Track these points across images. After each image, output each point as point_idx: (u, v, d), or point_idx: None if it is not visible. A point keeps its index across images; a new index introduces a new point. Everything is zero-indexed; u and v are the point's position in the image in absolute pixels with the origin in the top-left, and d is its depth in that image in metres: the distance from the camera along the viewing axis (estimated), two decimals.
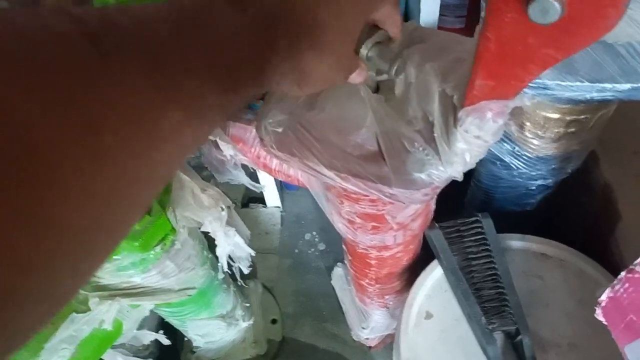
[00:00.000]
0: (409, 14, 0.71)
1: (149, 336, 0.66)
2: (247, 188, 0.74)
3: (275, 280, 0.90)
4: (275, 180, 0.92)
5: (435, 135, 0.38)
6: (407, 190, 0.39)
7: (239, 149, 0.55)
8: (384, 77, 0.36)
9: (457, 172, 0.39)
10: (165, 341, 0.66)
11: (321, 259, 0.93)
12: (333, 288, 0.85)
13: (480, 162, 0.42)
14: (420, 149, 0.38)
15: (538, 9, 0.26)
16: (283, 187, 0.99)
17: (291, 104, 0.42)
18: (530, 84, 0.37)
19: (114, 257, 0.46)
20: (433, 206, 0.54)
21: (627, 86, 0.41)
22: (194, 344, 0.79)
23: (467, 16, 0.71)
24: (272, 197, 0.95)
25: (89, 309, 0.51)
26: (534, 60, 0.29)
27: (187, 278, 0.57)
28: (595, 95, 0.42)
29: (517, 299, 0.54)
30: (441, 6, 0.66)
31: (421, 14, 0.65)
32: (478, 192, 0.68)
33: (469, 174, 0.43)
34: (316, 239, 0.95)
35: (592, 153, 0.59)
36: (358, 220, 0.51)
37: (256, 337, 0.83)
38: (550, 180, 0.57)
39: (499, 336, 0.55)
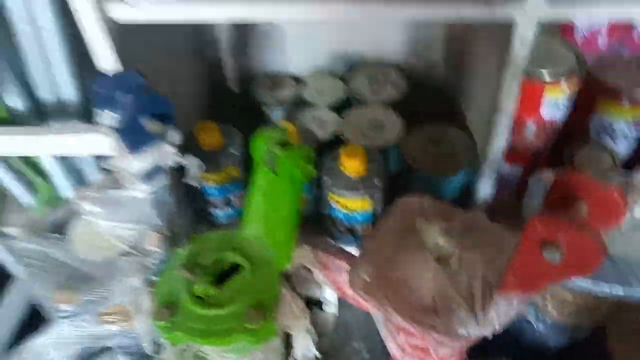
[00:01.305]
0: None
1: None
2: None
3: None
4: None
5: (475, 304, 0.54)
6: (450, 339, 0.55)
7: (324, 274, 0.73)
8: None
9: (488, 332, 0.55)
10: None
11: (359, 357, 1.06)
12: None
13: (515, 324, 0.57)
14: (464, 312, 0.55)
15: (549, 253, 0.43)
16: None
17: (378, 259, 0.60)
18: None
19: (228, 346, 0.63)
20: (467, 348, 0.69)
21: (621, 291, 0.57)
22: None
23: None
24: (332, 306, 1.11)
25: None
26: (546, 279, 0.46)
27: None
28: (599, 292, 0.58)
29: None
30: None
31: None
32: (506, 338, 0.82)
33: None
34: (362, 349, 1.09)
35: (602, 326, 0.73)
36: (409, 349, 0.66)
37: None
38: (564, 341, 0.72)
39: None
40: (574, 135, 0.83)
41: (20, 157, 0.84)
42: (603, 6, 0.59)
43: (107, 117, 0.56)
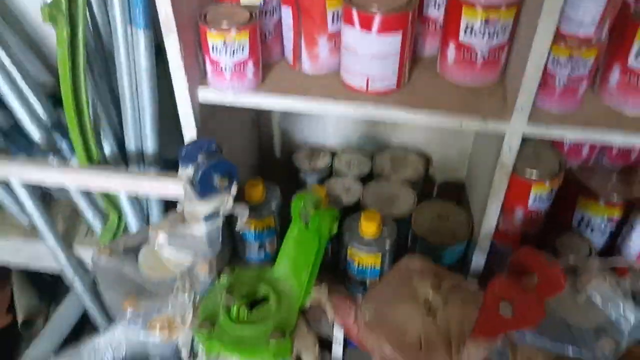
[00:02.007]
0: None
1: None
2: None
3: None
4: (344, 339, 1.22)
5: (453, 348, 0.69)
6: None
7: (335, 313, 0.88)
8: None
9: None
10: None
11: None
12: None
13: None
14: (442, 353, 0.69)
15: (504, 308, 0.59)
16: (347, 343, 1.29)
17: (379, 303, 0.76)
18: (519, 336, 0.69)
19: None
20: None
21: (571, 350, 0.70)
22: None
23: None
24: (338, 347, 1.25)
25: None
26: (502, 329, 0.61)
27: None
28: (557, 350, 0.72)
29: None
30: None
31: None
32: None
33: None
34: None
35: None
36: None
37: None
38: None
39: None
40: (558, 225, 0.98)
41: (102, 193, 1.04)
42: (574, 131, 0.76)
43: (188, 171, 0.75)
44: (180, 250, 0.81)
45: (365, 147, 1.20)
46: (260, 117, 1.20)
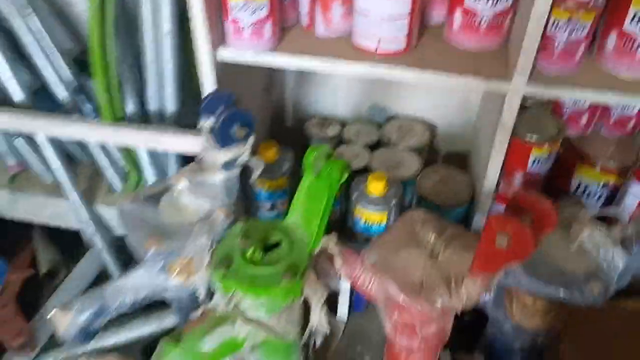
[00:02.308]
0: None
1: None
2: None
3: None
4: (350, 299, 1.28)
5: (450, 286, 0.74)
6: (430, 308, 0.75)
7: (342, 264, 0.94)
8: None
9: (458, 305, 0.74)
10: None
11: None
12: None
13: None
14: (442, 290, 0.75)
15: (500, 240, 0.64)
16: (352, 308, 1.34)
17: (385, 250, 0.81)
18: (511, 279, 0.74)
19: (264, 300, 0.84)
20: (447, 333, 0.88)
21: (562, 292, 0.76)
22: None
23: None
24: (343, 311, 1.30)
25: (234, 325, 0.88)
26: (498, 262, 0.66)
27: (288, 328, 0.92)
28: (551, 293, 0.77)
29: None
30: None
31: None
32: (480, 337, 1.01)
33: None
34: (364, 352, 1.27)
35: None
36: (400, 327, 0.85)
37: None
38: (526, 344, 0.89)
39: None
40: (556, 190, 1.03)
41: (124, 150, 1.09)
42: (571, 91, 0.81)
43: (209, 121, 0.81)
44: (198, 197, 0.87)
45: (373, 117, 1.25)
46: (273, 86, 1.25)
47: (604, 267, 0.77)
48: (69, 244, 1.33)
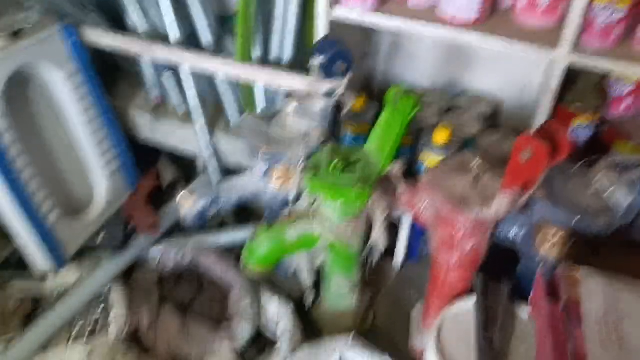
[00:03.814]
0: None
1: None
2: None
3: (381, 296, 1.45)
4: (407, 248, 1.50)
5: (487, 200, 0.96)
6: (467, 218, 0.97)
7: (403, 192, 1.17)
8: None
9: (491, 216, 0.96)
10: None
11: (410, 304, 1.45)
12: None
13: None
14: (480, 203, 0.96)
15: (523, 154, 0.86)
16: (407, 258, 1.56)
17: (437, 173, 1.04)
18: (538, 208, 0.95)
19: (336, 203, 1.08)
20: (482, 252, 1.08)
21: (576, 220, 0.95)
22: (323, 297, 1.35)
23: None
24: (399, 259, 1.53)
25: (312, 223, 1.14)
26: (523, 175, 0.87)
27: (353, 238, 1.17)
28: (568, 220, 0.96)
29: None
30: None
31: None
32: (507, 266, 1.20)
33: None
34: (413, 294, 1.49)
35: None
36: (443, 240, 1.07)
37: (355, 318, 1.37)
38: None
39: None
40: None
41: (245, 87, 1.39)
42: (607, 62, 1.01)
43: (319, 58, 1.08)
44: (302, 118, 1.14)
45: (448, 91, 1.48)
46: (368, 55, 1.52)
47: (612, 205, 0.96)
48: (186, 168, 1.66)
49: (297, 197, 1.18)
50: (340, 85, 1.10)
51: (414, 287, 1.51)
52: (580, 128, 1.14)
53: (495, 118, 1.42)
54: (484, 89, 1.44)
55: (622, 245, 1.03)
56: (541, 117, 1.11)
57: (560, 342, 0.75)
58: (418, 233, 1.46)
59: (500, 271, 1.26)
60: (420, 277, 1.53)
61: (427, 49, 1.43)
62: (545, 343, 0.77)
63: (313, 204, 1.14)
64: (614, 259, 1.16)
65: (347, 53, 1.06)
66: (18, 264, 1.33)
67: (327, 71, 1.07)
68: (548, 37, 1.05)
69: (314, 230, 1.15)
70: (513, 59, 1.31)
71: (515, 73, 1.38)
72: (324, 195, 1.09)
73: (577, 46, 1.00)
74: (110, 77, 1.56)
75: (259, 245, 1.14)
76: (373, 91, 1.58)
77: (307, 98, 1.14)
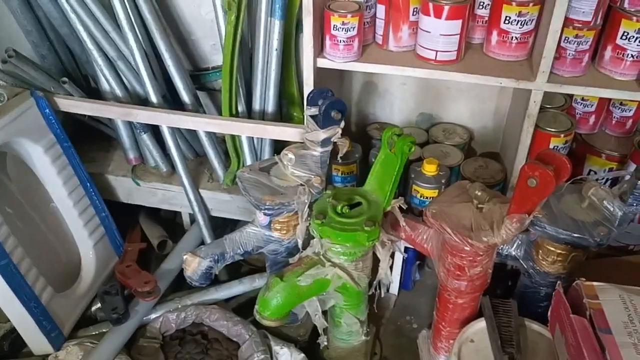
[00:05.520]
0: None
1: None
2: None
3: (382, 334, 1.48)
4: (401, 277, 1.54)
5: (494, 227, 1.01)
6: (479, 244, 1.02)
7: (405, 227, 1.21)
8: None
9: (500, 241, 1.01)
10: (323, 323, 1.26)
11: (412, 331, 1.49)
12: (418, 346, 1.41)
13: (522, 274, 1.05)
14: (487, 230, 1.02)
15: (530, 181, 0.92)
16: (401, 286, 1.60)
17: (442, 203, 1.09)
18: (539, 228, 1.01)
19: (346, 246, 1.11)
20: (488, 275, 1.14)
21: (577, 235, 1.02)
22: (333, 337, 1.36)
23: None
24: (394, 288, 1.56)
25: (324, 267, 1.16)
26: (530, 201, 0.93)
27: (362, 276, 1.19)
28: (567, 237, 1.03)
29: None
30: None
31: None
32: (512, 286, 1.26)
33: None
34: (412, 320, 1.52)
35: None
36: (452, 268, 1.12)
37: (366, 352, 1.39)
38: (551, 290, 1.15)
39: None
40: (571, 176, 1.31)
41: (230, 140, 1.40)
42: (580, 88, 1.10)
43: (312, 110, 1.11)
44: (301, 167, 1.16)
45: (422, 124, 1.55)
46: (342, 95, 1.57)
47: (607, 216, 1.04)
48: (169, 222, 1.64)
49: (305, 244, 1.20)
50: (336, 132, 1.13)
51: (411, 314, 1.55)
52: (558, 149, 1.23)
53: (469, 147, 1.50)
54: (455, 119, 1.53)
55: (609, 250, 1.12)
56: (524, 142, 1.19)
57: (596, 351, 0.81)
58: (410, 262, 1.51)
59: (497, 289, 1.32)
60: (416, 304, 1.57)
61: (400, 84, 1.50)
62: (580, 355, 0.82)
63: (323, 246, 1.16)
64: (602, 264, 1.25)
65: (339, 102, 1.10)
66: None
67: (324, 119, 1.10)
68: (523, 69, 1.14)
69: (326, 274, 1.17)
70: (482, 89, 1.40)
71: (484, 101, 1.47)
72: (334, 240, 1.11)
73: (551, 76, 1.09)
74: (84, 141, 1.52)
75: (274, 296, 1.14)
76: (350, 130, 1.63)
77: (303, 147, 1.16)
